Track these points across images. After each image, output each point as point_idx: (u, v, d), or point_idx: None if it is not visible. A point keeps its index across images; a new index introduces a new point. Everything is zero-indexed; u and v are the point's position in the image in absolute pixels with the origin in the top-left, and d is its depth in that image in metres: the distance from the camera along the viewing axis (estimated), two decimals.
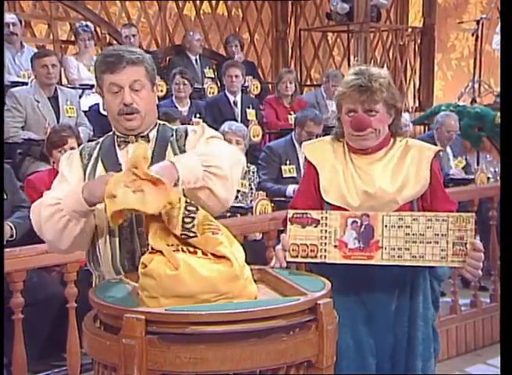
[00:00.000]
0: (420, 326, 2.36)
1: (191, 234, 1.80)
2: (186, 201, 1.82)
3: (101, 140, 2.26)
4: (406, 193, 2.30)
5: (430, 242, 2.15)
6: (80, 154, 2.20)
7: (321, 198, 2.35)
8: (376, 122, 2.31)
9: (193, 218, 1.80)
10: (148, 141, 2.16)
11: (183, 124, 4.39)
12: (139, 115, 2.11)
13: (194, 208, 1.82)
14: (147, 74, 2.12)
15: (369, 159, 2.36)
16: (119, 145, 2.17)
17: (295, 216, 2.18)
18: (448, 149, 5.94)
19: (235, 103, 6.02)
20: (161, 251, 1.79)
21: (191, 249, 1.80)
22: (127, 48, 2.16)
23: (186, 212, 1.80)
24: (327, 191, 2.34)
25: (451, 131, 5.82)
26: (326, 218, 2.17)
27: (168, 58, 7.54)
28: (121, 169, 2.07)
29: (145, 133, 2.16)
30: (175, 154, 2.13)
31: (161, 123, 2.23)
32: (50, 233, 2.03)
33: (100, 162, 2.16)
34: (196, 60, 7.13)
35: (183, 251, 1.79)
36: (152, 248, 1.82)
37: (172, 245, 1.80)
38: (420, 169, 2.34)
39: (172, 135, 2.19)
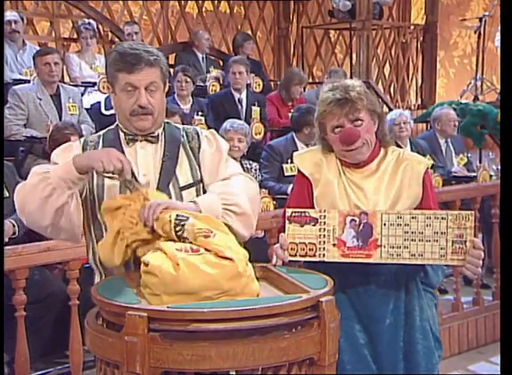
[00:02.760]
0: (419, 339, 2.32)
1: (186, 241, 1.85)
2: (177, 215, 1.88)
3: (101, 133, 2.23)
4: (398, 209, 2.29)
5: (429, 240, 2.14)
6: (83, 148, 2.16)
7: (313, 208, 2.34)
8: (364, 131, 2.29)
9: (183, 225, 1.86)
10: (158, 141, 2.15)
11: (182, 120, 4.40)
12: (152, 116, 2.10)
13: (184, 217, 1.87)
14: (161, 76, 2.11)
15: (362, 173, 2.35)
16: (127, 142, 2.15)
17: (293, 214, 2.18)
18: (450, 146, 5.94)
19: (240, 101, 5.99)
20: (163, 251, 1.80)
21: (194, 247, 1.81)
22: (144, 46, 2.11)
23: (176, 222, 1.86)
24: (320, 204, 2.33)
25: (450, 121, 5.81)
26: (325, 216, 2.17)
27: (170, 56, 7.54)
28: None
29: (155, 134, 2.15)
30: (188, 156, 2.15)
31: (166, 121, 2.22)
32: (32, 203, 1.97)
33: None
34: (203, 58, 7.13)
35: (185, 250, 1.80)
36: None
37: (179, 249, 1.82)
38: (411, 185, 2.33)
39: (183, 136, 2.19)
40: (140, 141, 2.15)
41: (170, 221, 1.86)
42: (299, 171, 2.43)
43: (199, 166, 2.16)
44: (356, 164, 2.35)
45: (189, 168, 2.15)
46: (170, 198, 2.06)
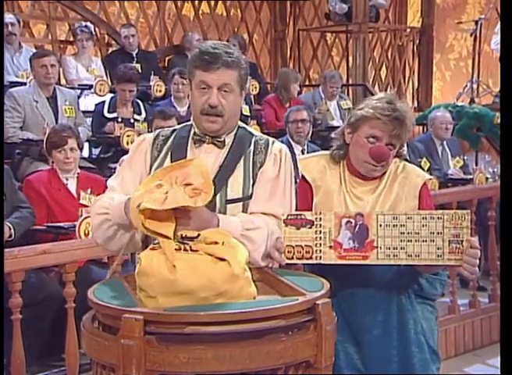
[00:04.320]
0: (415, 352, 2.31)
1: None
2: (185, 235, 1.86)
3: (177, 128, 2.20)
4: None
5: (425, 241, 2.13)
6: (153, 142, 2.14)
7: None
8: (391, 156, 2.33)
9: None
10: (223, 146, 2.12)
11: (178, 122, 4.40)
12: (222, 119, 2.07)
13: (189, 240, 1.85)
14: (239, 79, 2.08)
15: (366, 187, 2.36)
16: (194, 142, 2.12)
17: (289, 217, 2.18)
18: (447, 149, 5.96)
19: None
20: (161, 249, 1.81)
21: (193, 247, 1.81)
22: (227, 47, 2.08)
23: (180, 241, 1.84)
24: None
25: (442, 124, 5.83)
26: (320, 219, 2.16)
27: (167, 59, 7.55)
28: None
29: (222, 139, 2.11)
30: (246, 169, 2.10)
31: (241, 125, 2.18)
32: (101, 238, 2.07)
33: (169, 157, 2.11)
34: None
35: (185, 250, 1.80)
36: (154, 245, 1.84)
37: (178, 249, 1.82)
38: (407, 198, 2.34)
39: (250, 145, 2.14)
40: (207, 143, 2.11)
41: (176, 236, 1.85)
42: (302, 176, 2.44)
43: (254, 182, 2.10)
44: (362, 176, 2.36)
45: (242, 181, 2.09)
46: (214, 207, 2.03)
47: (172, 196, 1.82)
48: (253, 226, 2.03)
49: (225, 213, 2.05)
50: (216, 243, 1.82)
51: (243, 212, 2.08)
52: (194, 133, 2.13)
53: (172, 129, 2.20)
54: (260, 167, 2.11)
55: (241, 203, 2.08)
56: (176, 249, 1.79)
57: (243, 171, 2.10)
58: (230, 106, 2.07)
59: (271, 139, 2.19)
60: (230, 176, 2.08)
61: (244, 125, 2.21)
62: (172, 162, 2.08)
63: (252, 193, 2.09)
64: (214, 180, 2.01)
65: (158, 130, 2.22)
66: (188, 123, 2.19)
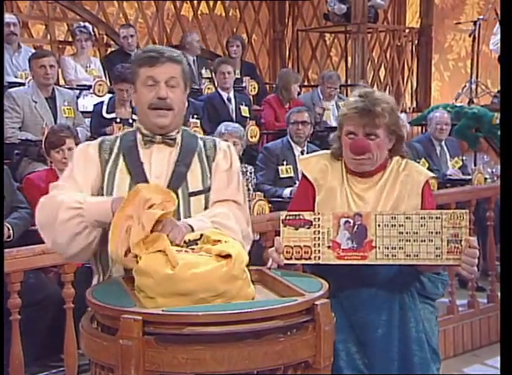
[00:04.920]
0: (415, 351, 2.32)
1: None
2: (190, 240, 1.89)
3: (119, 134, 2.23)
4: None
5: (424, 240, 2.13)
6: (100, 147, 2.16)
7: None
8: (375, 146, 2.30)
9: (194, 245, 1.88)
10: (174, 144, 2.15)
11: None
12: (171, 112, 2.11)
13: (192, 242, 1.89)
14: (183, 74, 2.14)
15: (366, 184, 2.36)
16: (144, 144, 2.14)
17: (288, 218, 2.18)
18: (445, 149, 5.96)
19: (229, 100, 6.02)
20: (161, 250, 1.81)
21: (194, 248, 1.82)
22: (168, 47, 2.18)
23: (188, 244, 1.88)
24: (321, 211, 2.32)
25: (438, 124, 5.84)
26: (319, 219, 2.17)
27: None
28: (143, 169, 2.08)
29: (173, 136, 2.15)
30: (201, 163, 2.15)
31: (183, 128, 2.22)
32: (63, 236, 1.99)
33: (122, 159, 2.13)
34: (194, 61, 7.13)
35: (185, 251, 1.81)
36: None
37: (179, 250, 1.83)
38: (410, 196, 2.33)
39: (198, 143, 2.19)
40: (158, 143, 2.14)
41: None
42: (303, 175, 2.44)
43: (210, 174, 2.16)
44: (360, 173, 2.36)
45: (200, 174, 2.14)
46: (178, 202, 2.04)
47: (146, 218, 1.84)
48: (218, 213, 2.07)
49: (189, 206, 2.09)
50: (220, 241, 1.83)
51: (205, 203, 2.12)
52: (144, 135, 2.15)
53: (115, 136, 2.23)
54: (212, 161, 2.17)
55: (203, 195, 2.13)
56: (177, 250, 1.80)
57: (200, 165, 2.15)
58: (178, 100, 2.12)
59: (216, 138, 2.28)
60: (188, 171, 2.13)
61: (185, 128, 2.26)
62: (126, 164, 2.11)
63: (210, 185, 2.14)
64: (172, 175, 2.09)
65: (100, 138, 2.24)
66: (131, 130, 2.22)
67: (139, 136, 2.16)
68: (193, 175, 2.14)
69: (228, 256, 1.79)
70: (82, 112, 5.41)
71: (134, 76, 2.14)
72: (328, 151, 2.46)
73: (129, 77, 5.22)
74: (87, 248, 2.02)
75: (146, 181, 2.06)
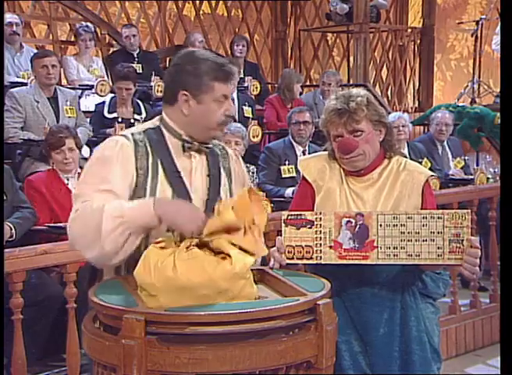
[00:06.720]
0: (416, 350, 2.31)
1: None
2: None
3: (141, 130, 2.09)
4: None
5: (426, 240, 2.13)
6: (135, 148, 2.03)
7: None
8: (362, 142, 2.30)
9: None
10: (204, 152, 2.14)
11: None
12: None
13: None
14: None
15: (364, 182, 2.36)
16: (184, 150, 2.08)
17: (289, 217, 2.18)
18: (447, 149, 5.95)
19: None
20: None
21: (200, 243, 1.83)
22: (229, 59, 2.19)
23: None
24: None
25: (438, 124, 5.84)
26: (320, 219, 2.17)
27: (168, 59, 7.55)
28: (180, 177, 2.04)
29: (210, 144, 2.14)
30: (226, 177, 2.16)
31: None
32: (111, 245, 1.89)
33: (160, 167, 2.04)
34: None
35: (187, 247, 1.81)
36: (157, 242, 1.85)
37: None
38: (410, 196, 2.33)
39: (215, 150, 2.18)
40: (195, 150, 2.10)
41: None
42: (303, 177, 2.44)
43: (230, 184, 2.17)
44: (357, 172, 2.36)
45: (228, 189, 2.16)
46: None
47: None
48: None
49: None
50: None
51: None
52: (184, 141, 2.09)
53: (138, 132, 2.10)
54: (229, 170, 2.18)
55: None
56: (186, 247, 1.80)
57: (226, 177, 2.16)
58: None
59: (221, 144, 2.26)
60: (220, 188, 2.13)
61: None
62: (165, 173, 2.04)
63: (232, 193, 2.16)
64: (209, 190, 2.08)
65: (129, 131, 2.11)
66: (153, 127, 2.11)
67: (174, 140, 2.08)
68: (223, 190, 2.14)
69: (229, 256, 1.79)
70: (84, 112, 5.42)
71: (203, 87, 2.03)
72: (326, 154, 2.46)
73: (129, 75, 5.25)
74: (133, 253, 1.94)
75: (187, 194, 2.04)
